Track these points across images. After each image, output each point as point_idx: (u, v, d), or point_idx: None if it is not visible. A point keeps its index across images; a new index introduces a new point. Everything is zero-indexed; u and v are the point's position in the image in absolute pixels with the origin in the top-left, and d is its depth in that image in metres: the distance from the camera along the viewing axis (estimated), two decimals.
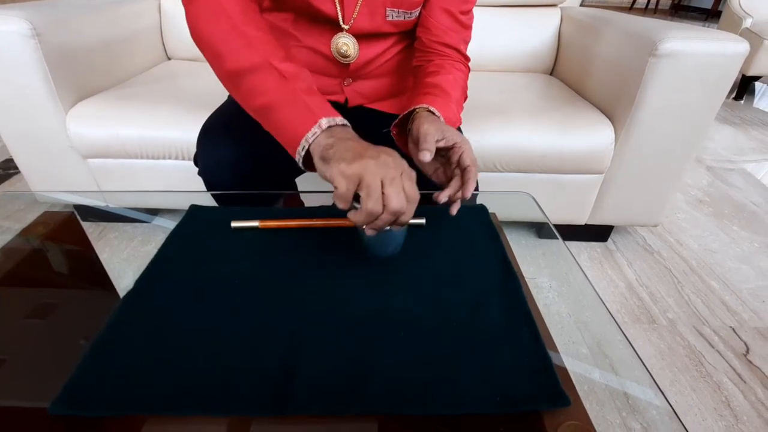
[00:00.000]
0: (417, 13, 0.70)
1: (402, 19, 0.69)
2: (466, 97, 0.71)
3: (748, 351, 0.97)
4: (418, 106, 0.58)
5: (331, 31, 0.69)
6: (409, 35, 0.76)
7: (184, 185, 1.13)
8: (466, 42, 0.72)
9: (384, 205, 0.42)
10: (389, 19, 0.69)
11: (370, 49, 0.72)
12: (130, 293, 0.47)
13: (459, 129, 0.78)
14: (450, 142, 0.52)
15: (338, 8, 0.66)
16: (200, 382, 0.38)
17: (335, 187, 0.43)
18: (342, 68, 0.74)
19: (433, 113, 0.57)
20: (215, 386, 0.38)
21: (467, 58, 0.72)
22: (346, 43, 0.70)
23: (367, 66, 0.75)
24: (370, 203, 0.41)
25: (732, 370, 0.93)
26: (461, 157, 0.52)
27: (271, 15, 0.69)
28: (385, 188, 0.42)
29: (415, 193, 0.44)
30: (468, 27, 0.71)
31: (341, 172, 0.43)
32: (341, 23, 0.67)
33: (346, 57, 0.71)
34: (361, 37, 0.70)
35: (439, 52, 0.69)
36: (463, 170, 0.52)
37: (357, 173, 0.42)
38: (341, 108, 0.81)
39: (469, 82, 0.71)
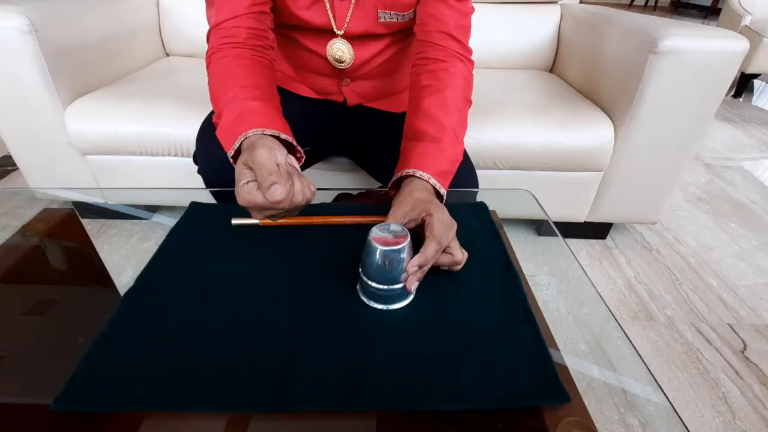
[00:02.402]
0: (411, 15, 0.70)
1: (395, 20, 0.69)
2: (470, 103, 0.67)
3: (745, 348, 0.98)
4: (404, 173, 0.57)
5: (326, 37, 0.70)
6: (405, 35, 0.76)
7: (183, 182, 1.13)
8: (465, 30, 0.67)
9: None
10: (381, 20, 0.69)
11: (365, 50, 0.73)
12: (132, 290, 0.47)
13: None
14: (418, 219, 0.50)
15: (330, 16, 0.66)
16: (202, 378, 0.38)
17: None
18: (339, 70, 0.74)
19: (420, 179, 0.56)
20: (217, 382, 0.38)
21: (468, 50, 0.67)
22: (340, 49, 0.70)
23: (364, 67, 0.75)
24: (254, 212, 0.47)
25: (729, 367, 0.93)
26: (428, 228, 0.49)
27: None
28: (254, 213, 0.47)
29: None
30: (465, 14, 0.67)
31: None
32: (335, 29, 0.68)
33: (341, 62, 0.72)
34: (354, 39, 0.70)
35: (435, 45, 0.65)
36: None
37: (240, 191, 0.46)
38: (340, 107, 0.81)
39: None
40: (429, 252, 0.45)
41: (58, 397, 0.36)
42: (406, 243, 0.43)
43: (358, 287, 0.48)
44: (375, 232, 0.44)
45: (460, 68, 0.65)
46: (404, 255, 0.43)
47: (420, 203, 0.51)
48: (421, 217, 0.49)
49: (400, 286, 0.45)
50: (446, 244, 0.48)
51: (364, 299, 0.47)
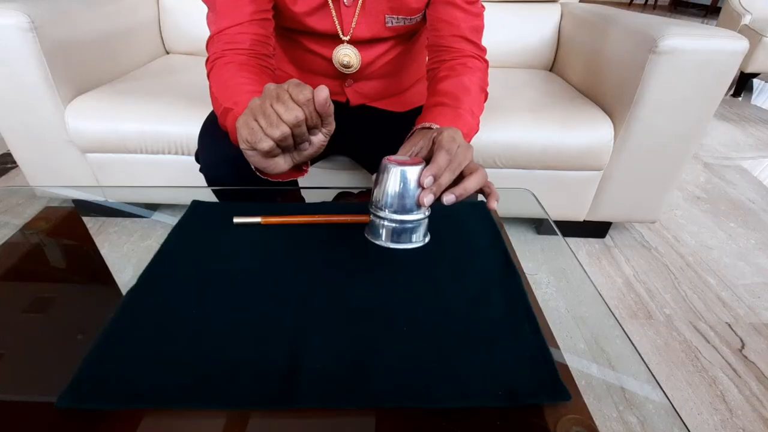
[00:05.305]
0: (418, 19, 0.70)
1: (402, 24, 0.69)
2: (486, 95, 0.68)
3: (743, 346, 0.99)
4: (420, 126, 0.57)
5: (333, 42, 0.70)
6: (410, 35, 0.76)
7: (183, 180, 1.13)
8: (478, 30, 0.68)
9: (277, 122, 0.40)
10: (389, 25, 0.69)
11: (369, 52, 0.73)
12: (134, 288, 0.48)
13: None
14: (428, 145, 0.47)
15: (336, 22, 0.66)
16: (206, 375, 0.38)
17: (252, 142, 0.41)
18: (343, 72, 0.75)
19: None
20: (221, 380, 0.38)
21: (482, 49, 0.69)
22: (347, 54, 0.70)
23: (368, 68, 0.75)
24: (265, 125, 0.40)
25: (727, 365, 0.94)
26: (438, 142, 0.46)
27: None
28: (274, 107, 0.40)
29: (303, 96, 0.41)
30: (477, 15, 0.67)
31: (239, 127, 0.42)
32: (341, 35, 0.68)
33: (349, 67, 0.72)
34: (360, 44, 0.70)
35: (450, 48, 0.66)
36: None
37: (245, 117, 0.42)
38: (343, 107, 0.81)
39: None
40: (441, 161, 0.41)
41: (62, 394, 0.36)
42: (423, 165, 0.41)
43: (365, 231, 0.46)
44: (388, 159, 0.42)
45: (477, 64, 0.66)
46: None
47: (429, 131, 0.48)
48: (431, 140, 0.45)
49: (416, 217, 0.43)
50: (460, 159, 0.43)
51: (376, 241, 0.44)
